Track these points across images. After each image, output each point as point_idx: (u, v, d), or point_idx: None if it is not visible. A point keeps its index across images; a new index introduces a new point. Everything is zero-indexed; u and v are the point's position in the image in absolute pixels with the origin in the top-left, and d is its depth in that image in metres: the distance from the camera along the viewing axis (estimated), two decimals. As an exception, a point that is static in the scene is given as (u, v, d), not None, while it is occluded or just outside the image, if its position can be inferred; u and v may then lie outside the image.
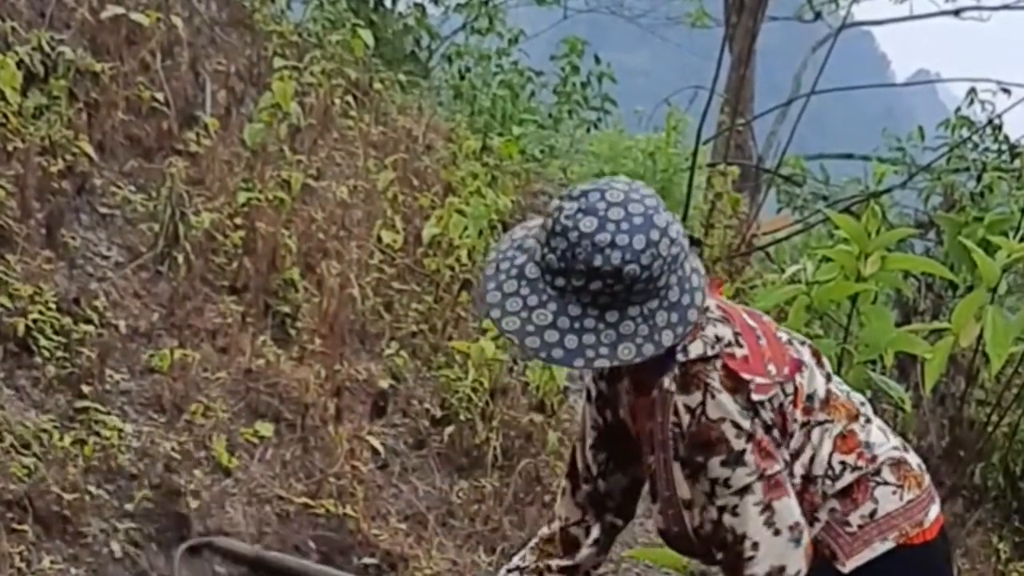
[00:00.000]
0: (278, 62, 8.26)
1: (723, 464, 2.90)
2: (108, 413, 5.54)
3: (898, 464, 3.16)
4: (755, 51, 16.52)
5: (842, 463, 3.10)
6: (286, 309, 6.79)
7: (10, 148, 6.35)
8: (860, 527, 3.10)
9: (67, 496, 5.07)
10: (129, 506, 5.26)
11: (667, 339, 2.81)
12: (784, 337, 3.11)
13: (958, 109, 12.87)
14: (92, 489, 5.18)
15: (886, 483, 3.12)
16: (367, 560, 5.86)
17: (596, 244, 2.76)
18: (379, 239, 7.63)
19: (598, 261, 2.76)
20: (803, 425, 3.05)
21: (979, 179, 10.36)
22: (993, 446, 7.95)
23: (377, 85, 9.75)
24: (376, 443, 6.41)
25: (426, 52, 13.83)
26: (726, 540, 2.96)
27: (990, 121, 12.14)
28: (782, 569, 2.93)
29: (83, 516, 5.11)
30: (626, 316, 2.79)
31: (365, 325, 7.20)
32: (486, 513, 6.51)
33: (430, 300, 7.62)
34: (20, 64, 6.64)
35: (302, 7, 10.82)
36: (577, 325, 2.78)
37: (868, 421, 3.18)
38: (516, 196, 9.24)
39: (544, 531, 3.43)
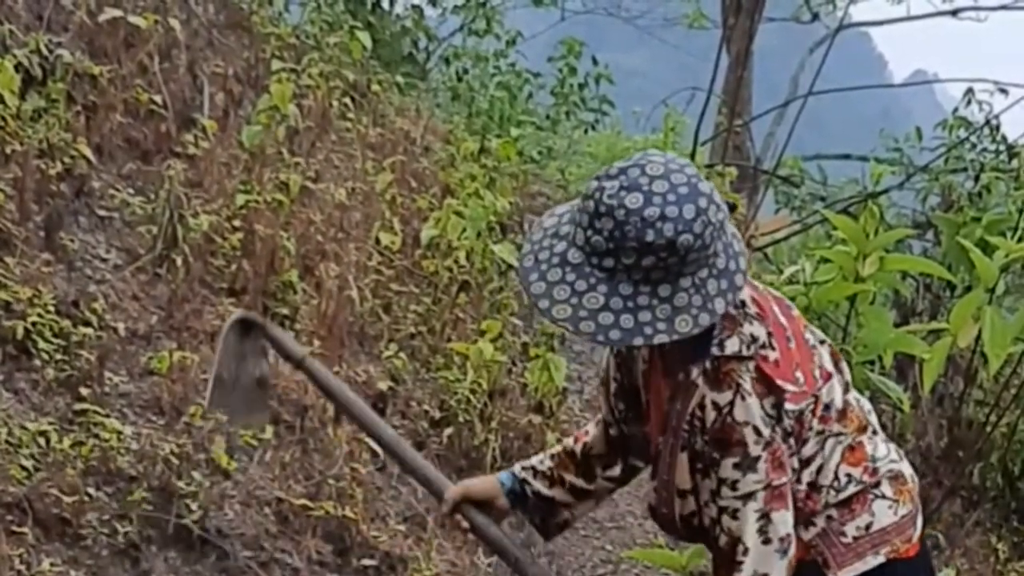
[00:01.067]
0: (276, 64, 8.27)
1: (735, 467, 2.92)
2: (107, 415, 5.54)
3: (896, 478, 3.19)
4: (752, 52, 16.53)
5: (848, 475, 3.12)
6: (285, 311, 6.79)
7: (8, 151, 6.35)
8: (855, 539, 3.13)
9: (66, 498, 5.07)
10: (128, 508, 5.26)
11: (720, 307, 2.81)
12: (811, 339, 3.13)
13: (956, 109, 12.87)
14: (91, 491, 5.18)
15: (884, 497, 3.14)
16: (366, 561, 5.86)
17: (646, 219, 2.74)
18: (377, 241, 7.63)
19: (650, 236, 2.74)
20: (818, 434, 3.07)
21: (977, 179, 10.35)
22: (991, 446, 7.95)
23: (375, 87, 9.76)
24: (375, 445, 6.40)
25: (424, 54, 13.84)
26: (720, 539, 2.98)
27: (988, 121, 12.14)
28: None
29: (82, 518, 5.11)
30: (679, 288, 2.78)
31: (364, 327, 7.20)
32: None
33: (428, 302, 7.62)
34: (18, 67, 6.65)
35: (300, 9, 10.84)
36: (631, 304, 2.76)
37: (875, 432, 3.21)
38: (514, 198, 9.24)
39: (568, 443, 3.47)
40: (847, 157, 16.62)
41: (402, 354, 7.06)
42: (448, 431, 6.78)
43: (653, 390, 3.14)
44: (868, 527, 3.12)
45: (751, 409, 2.90)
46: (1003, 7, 19.90)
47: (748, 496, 2.92)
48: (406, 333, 7.36)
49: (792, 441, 2.98)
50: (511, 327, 7.76)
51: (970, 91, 13.38)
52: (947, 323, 5.73)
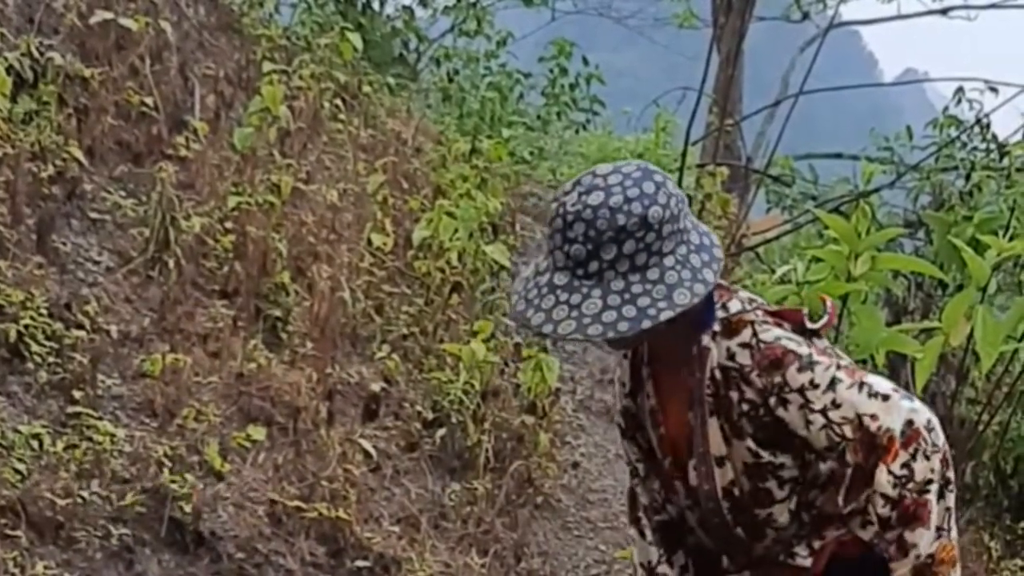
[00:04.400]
0: (267, 66, 8.26)
1: (800, 370, 2.94)
2: (100, 418, 5.54)
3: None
4: (743, 51, 16.55)
5: None
6: (277, 313, 6.80)
7: (0, 154, 6.34)
8: None
9: (60, 501, 5.07)
10: (122, 511, 5.26)
11: (709, 276, 2.86)
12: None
13: (946, 108, 12.86)
14: (84, 494, 5.18)
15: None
16: (360, 563, 5.86)
17: (613, 207, 2.81)
18: (369, 242, 7.63)
19: (622, 219, 2.80)
20: None
21: (968, 178, 10.36)
22: (984, 445, 7.97)
23: (366, 88, 9.76)
24: (368, 446, 6.41)
25: (414, 55, 13.83)
26: (848, 433, 2.94)
27: (978, 120, 12.13)
28: (911, 422, 2.92)
29: (76, 521, 5.11)
30: (665, 268, 2.83)
31: (356, 328, 7.20)
32: (478, 515, 6.52)
33: (421, 303, 7.63)
34: (9, 70, 6.64)
35: (290, 11, 10.83)
36: (627, 295, 2.81)
37: None
38: (505, 198, 9.25)
39: (635, 537, 3.43)
40: (838, 156, 16.62)
41: (395, 355, 7.07)
42: (441, 432, 6.79)
43: (669, 401, 3.15)
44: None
45: (773, 331, 2.98)
46: (993, 6, 19.90)
47: (832, 383, 2.93)
48: (398, 334, 7.36)
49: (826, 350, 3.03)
50: (503, 328, 7.76)
51: (960, 90, 13.36)
52: (939, 322, 5.73)
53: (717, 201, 10.04)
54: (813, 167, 14.66)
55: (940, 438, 2.94)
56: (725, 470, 3.07)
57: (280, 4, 10.50)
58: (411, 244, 7.87)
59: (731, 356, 2.99)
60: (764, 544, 3.18)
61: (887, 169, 12.04)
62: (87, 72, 7.12)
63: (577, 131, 13.85)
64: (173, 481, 5.46)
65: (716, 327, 3.00)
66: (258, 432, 6.04)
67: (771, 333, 2.97)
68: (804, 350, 2.95)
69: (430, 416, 6.88)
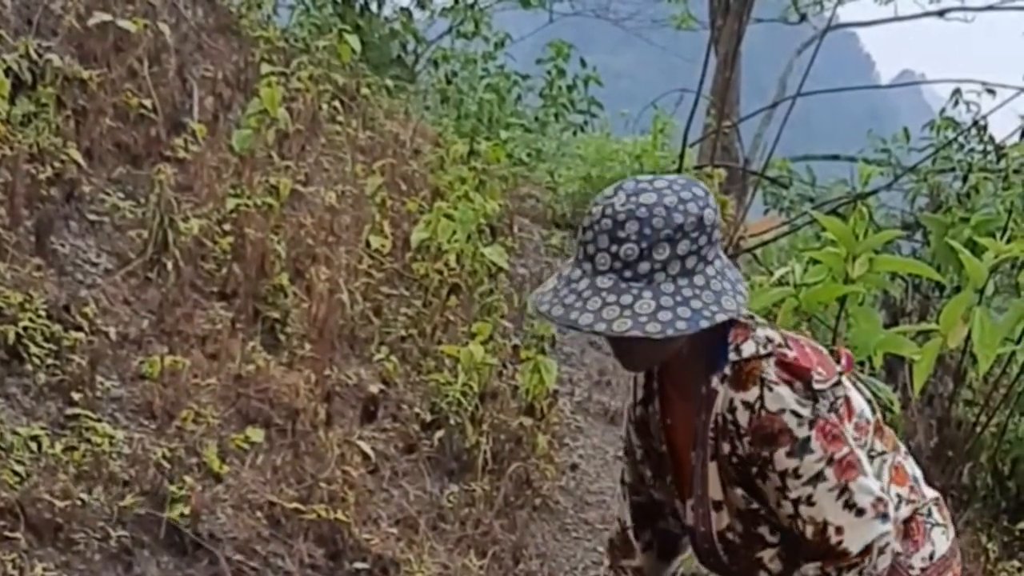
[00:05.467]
0: (265, 68, 8.28)
1: (789, 455, 2.88)
2: (99, 420, 5.54)
3: (938, 503, 3.20)
4: (740, 53, 16.56)
5: (898, 496, 3.12)
6: (275, 315, 6.80)
7: (-2, 156, 6.36)
8: (922, 570, 3.12)
9: (59, 503, 5.06)
10: (121, 513, 5.26)
11: (744, 290, 2.85)
12: (823, 350, 3.11)
13: (943, 110, 12.90)
14: (83, 496, 5.18)
15: (937, 524, 3.14)
16: (359, 565, 5.86)
17: (668, 206, 2.77)
18: (368, 244, 7.64)
19: (679, 218, 2.77)
20: (868, 454, 3.05)
21: (965, 180, 10.38)
22: (981, 446, 7.97)
23: (364, 90, 9.78)
24: (366, 448, 6.42)
25: (412, 56, 13.86)
26: (807, 532, 2.93)
27: (975, 122, 12.17)
28: (869, 547, 2.91)
29: (75, 523, 5.10)
30: (709, 276, 2.80)
31: (354, 330, 7.21)
32: (477, 517, 6.52)
33: (419, 304, 7.63)
34: (8, 71, 6.65)
35: (288, 13, 10.85)
36: (679, 298, 2.77)
37: (908, 453, 3.21)
38: (504, 200, 9.26)
39: (608, 534, 3.51)
40: (835, 158, 16.66)
41: (393, 357, 7.07)
42: (439, 433, 6.79)
43: (678, 426, 3.12)
44: (931, 556, 3.10)
45: (782, 397, 2.88)
46: (990, 8, 19.95)
47: (815, 478, 2.89)
48: (397, 336, 7.37)
49: (836, 417, 2.94)
50: (502, 329, 7.77)
51: (957, 92, 13.41)
52: (936, 324, 5.74)
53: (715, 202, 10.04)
54: (811, 169, 14.68)
55: (885, 562, 2.95)
56: (722, 514, 3.05)
57: (278, 6, 10.52)
58: (409, 246, 7.88)
59: (732, 410, 2.92)
60: None
61: (884, 171, 12.07)
62: (85, 74, 7.12)
63: (575, 133, 13.86)
64: (172, 483, 5.46)
65: (727, 370, 2.93)
66: (256, 434, 6.04)
67: (778, 400, 2.88)
68: (803, 432, 2.87)
69: (428, 418, 6.88)
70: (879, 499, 2.92)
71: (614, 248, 2.78)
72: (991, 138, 11.75)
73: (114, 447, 5.47)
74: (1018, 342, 5.95)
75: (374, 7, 13.00)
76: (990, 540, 7.77)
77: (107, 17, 7.46)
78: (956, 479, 7.89)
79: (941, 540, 3.13)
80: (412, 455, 6.72)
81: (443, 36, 14.53)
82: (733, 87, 16.54)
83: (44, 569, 4.89)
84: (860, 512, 2.90)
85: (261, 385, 6.30)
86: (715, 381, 2.94)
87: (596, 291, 2.78)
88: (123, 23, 7.51)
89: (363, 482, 6.27)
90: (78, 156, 6.70)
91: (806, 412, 2.88)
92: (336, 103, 9.04)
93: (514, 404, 7.21)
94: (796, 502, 2.91)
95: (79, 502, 5.15)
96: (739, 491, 2.99)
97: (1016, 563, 7.67)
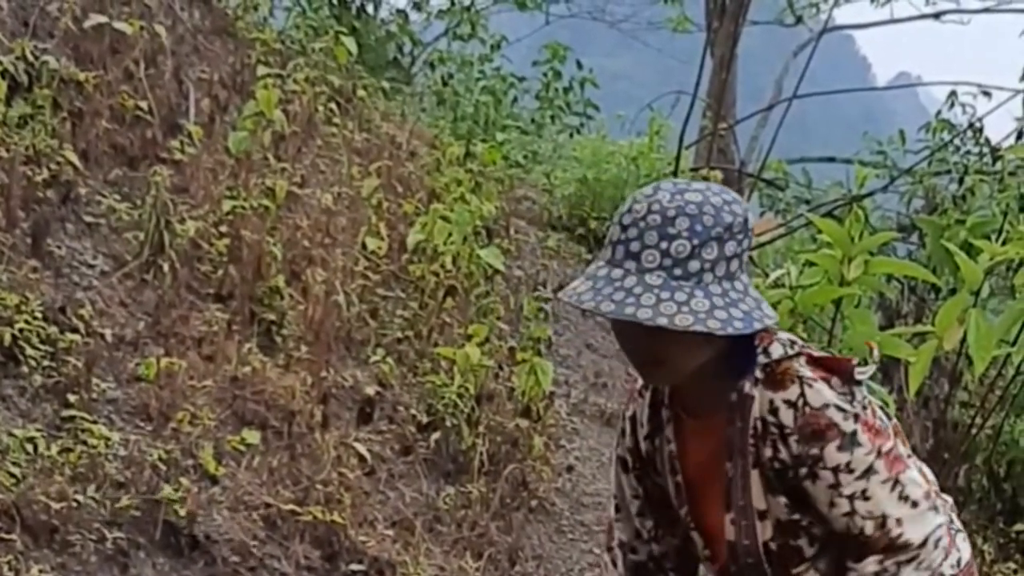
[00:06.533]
0: (261, 70, 8.28)
1: (839, 449, 2.81)
2: (95, 422, 5.54)
3: (954, 508, 3.16)
4: (736, 55, 16.54)
5: None
6: (272, 316, 6.80)
7: (-6, 158, 6.36)
8: None
9: (54, 505, 5.06)
10: (117, 514, 5.26)
11: (767, 307, 2.80)
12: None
13: (939, 112, 12.90)
14: (79, 498, 5.18)
15: (959, 529, 3.09)
16: (355, 567, 5.86)
17: (716, 205, 2.72)
18: (364, 246, 7.64)
19: (728, 218, 2.72)
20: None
21: (961, 182, 10.38)
22: (977, 448, 7.98)
23: (360, 92, 9.77)
24: (363, 449, 6.42)
25: (409, 58, 13.87)
26: (866, 529, 2.85)
27: (971, 124, 12.16)
28: (927, 539, 2.85)
29: (70, 525, 5.10)
30: (745, 282, 2.77)
31: (351, 332, 7.21)
32: (473, 519, 6.53)
33: (415, 306, 7.64)
34: (4, 74, 6.65)
35: (285, 15, 10.84)
36: (728, 299, 2.72)
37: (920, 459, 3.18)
38: (500, 202, 9.27)
39: None
40: (831, 160, 16.65)
41: (389, 359, 7.07)
42: (435, 435, 6.79)
43: (694, 448, 3.02)
44: (959, 562, 3.04)
45: (822, 392, 2.82)
46: (986, 10, 19.97)
47: (867, 472, 2.82)
48: (393, 338, 7.37)
49: (871, 412, 2.89)
50: (498, 331, 7.77)
51: (953, 94, 13.41)
52: (932, 326, 5.74)
53: (711, 205, 10.04)
54: (807, 171, 14.67)
55: (939, 556, 2.88)
56: (766, 524, 2.94)
57: (275, 8, 10.52)
58: (405, 248, 7.88)
59: (773, 411, 2.84)
60: None
61: (880, 173, 12.05)
62: (82, 76, 7.13)
63: (571, 135, 13.84)
64: (168, 484, 5.46)
65: (758, 373, 2.85)
66: (252, 436, 6.04)
67: (820, 396, 2.82)
68: (849, 425, 2.81)
69: (424, 420, 6.88)
70: (928, 492, 2.89)
71: (664, 245, 2.71)
72: (987, 140, 11.74)
73: (110, 449, 5.47)
74: (1013, 344, 5.95)
75: (370, 9, 13.02)
76: (986, 542, 7.79)
77: (103, 19, 7.46)
78: (952, 481, 7.90)
79: (965, 545, 3.07)
80: (408, 457, 6.72)
81: (439, 38, 14.52)
82: (729, 89, 16.53)
83: (40, 571, 4.89)
84: (915, 504, 2.85)
85: (257, 387, 6.30)
86: (747, 386, 2.86)
87: (648, 288, 2.69)
88: (119, 25, 7.51)
89: (359, 484, 6.27)
90: (74, 158, 6.70)
91: (848, 407, 2.83)
92: (332, 105, 9.05)
93: (510, 406, 7.22)
94: (851, 498, 2.84)
95: (75, 504, 5.15)
96: (781, 499, 2.92)
97: (1012, 565, 7.69)
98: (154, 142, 7.34)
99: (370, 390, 6.83)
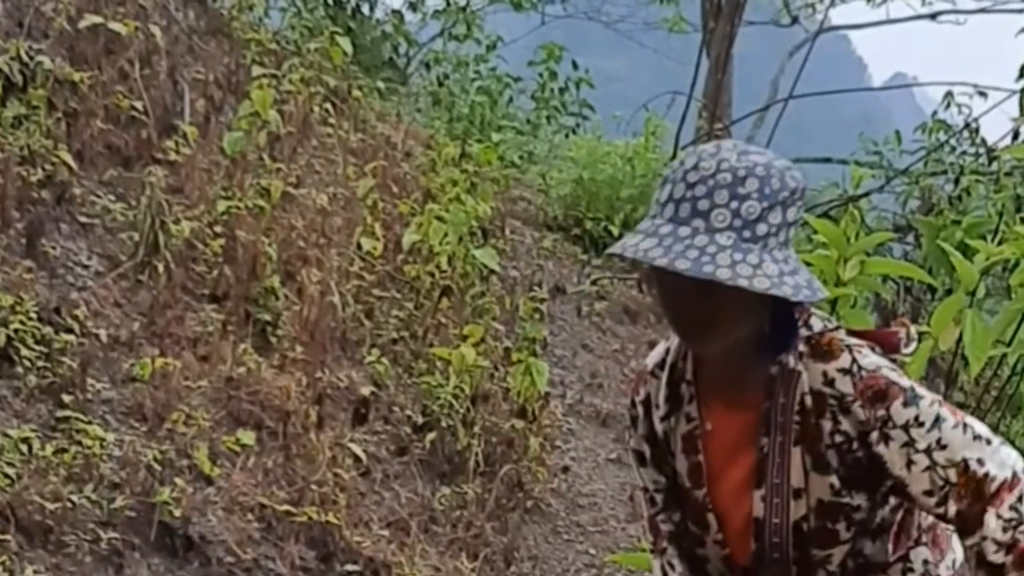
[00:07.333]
0: (256, 70, 8.28)
1: (905, 405, 2.75)
2: (89, 422, 5.54)
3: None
4: (732, 56, 16.54)
5: None
6: (267, 317, 6.80)
7: (-11, 158, 6.35)
8: None
9: (49, 505, 5.06)
10: (111, 515, 5.26)
11: (816, 281, 2.73)
12: None
13: (935, 113, 12.89)
14: (74, 498, 5.18)
15: (952, 530, 3.08)
16: (350, 567, 5.86)
17: (780, 169, 2.67)
18: (359, 246, 7.63)
19: (792, 183, 2.68)
20: None
21: (956, 182, 10.39)
22: (973, 448, 7.96)
23: (356, 92, 9.76)
24: (358, 450, 6.42)
25: (404, 59, 13.85)
26: (952, 477, 2.77)
27: (967, 124, 12.16)
28: (1013, 469, 2.78)
29: (65, 525, 5.10)
30: (793, 255, 2.69)
31: (346, 332, 7.20)
32: (468, 519, 6.53)
33: (411, 307, 7.63)
34: (-1, 74, 6.65)
35: (280, 15, 10.83)
36: (789, 268, 2.65)
37: None
38: (495, 202, 9.25)
39: None
40: (827, 160, 16.62)
41: (384, 359, 7.07)
42: (431, 436, 6.79)
43: (718, 425, 2.94)
44: (954, 563, 3.03)
45: (870, 357, 2.78)
46: (982, 10, 19.94)
47: (937, 421, 2.76)
48: (388, 338, 7.36)
49: None
50: (493, 332, 7.77)
51: (949, 94, 13.40)
52: (928, 326, 5.73)
53: (707, 205, 10.04)
54: (802, 171, 14.65)
55: None
56: (800, 503, 2.86)
57: (270, 8, 10.51)
58: (401, 248, 7.88)
59: (829, 382, 2.77)
60: None
61: (876, 173, 12.04)
62: (76, 76, 7.12)
63: (567, 135, 13.84)
64: (163, 485, 5.46)
65: (801, 347, 2.80)
66: (248, 436, 6.04)
67: (870, 359, 2.77)
68: (905, 382, 2.77)
69: (420, 420, 6.88)
70: (987, 430, 2.83)
71: (734, 204, 2.62)
72: (983, 141, 11.74)
73: (105, 449, 5.47)
74: (1009, 344, 5.94)
75: (366, 9, 13.00)
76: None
77: (98, 19, 7.46)
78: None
79: (958, 547, 3.05)
80: (403, 457, 6.72)
81: (435, 38, 14.50)
82: (725, 90, 16.52)
83: (35, 571, 4.89)
84: (988, 441, 2.79)
85: (252, 387, 6.30)
86: (791, 360, 2.79)
87: (721, 248, 2.59)
88: (114, 25, 7.50)
89: (354, 484, 6.27)
90: (69, 158, 6.70)
91: (897, 370, 2.80)
92: (328, 105, 9.04)
93: (506, 406, 7.22)
94: (928, 451, 2.77)
95: (70, 504, 5.15)
96: (829, 479, 2.83)
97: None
98: (149, 142, 7.34)
99: (365, 390, 6.82)
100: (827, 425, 2.79)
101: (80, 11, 7.53)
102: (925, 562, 3.01)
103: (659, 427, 2.99)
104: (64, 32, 7.39)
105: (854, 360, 2.76)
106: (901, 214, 11.06)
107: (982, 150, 11.47)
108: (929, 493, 2.79)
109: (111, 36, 7.54)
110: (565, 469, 7.56)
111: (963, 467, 2.76)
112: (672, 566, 3.10)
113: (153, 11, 8.30)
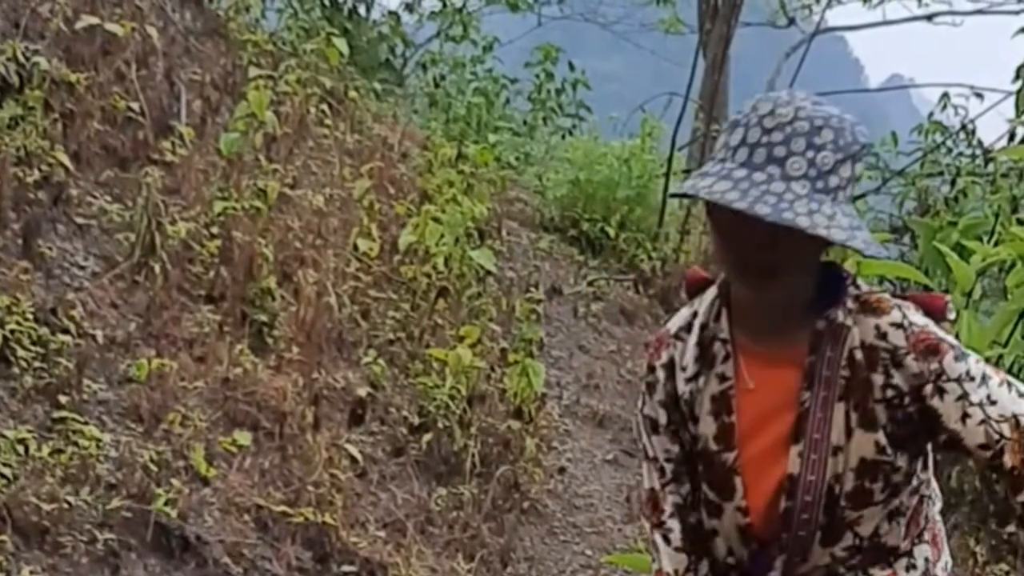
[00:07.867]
0: (253, 71, 8.27)
1: (956, 360, 2.75)
2: (86, 423, 5.53)
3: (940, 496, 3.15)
4: (729, 57, 16.56)
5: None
6: (263, 318, 6.79)
7: (-14, 159, 6.34)
8: None
9: (45, 506, 5.06)
10: (108, 516, 5.26)
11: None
12: None
13: (931, 114, 12.88)
14: (70, 499, 5.17)
15: (943, 531, 3.09)
16: (346, 568, 5.86)
17: (851, 122, 2.65)
18: (355, 247, 7.63)
19: (863, 138, 2.65)
20: None
21: (953, 184, 10.39)
22: (969, 449, 7.96)
23: (352, 93, 9.76)
24: (354, 451, 6.42)
25: (401, 60, 13.85)
26: (1006, 431, 2.78)
27: (963, 126, 12.16)
28: None
29: (61, 526, 5.10)
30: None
31: (342, 333, 7.20)
32: (465, 520, 6.52)
33: (407, 308, 7.63)
34: (-5, 75, 6.65)
35: (276, 16, 10.83)
36: (856, 222, 2.63)
37: None
38: (492, 203, 9.25)
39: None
40: (824, 161, 16.64)
41: (381, 360, 7.07)
42: (427, 437, 6.79)
43: (759, 383, 2.87)
44: (946, 566, 3.02)
45: (917, 315, 2.78)
46: (978, 11, 19.98)
47: (984, 378, 2.77)
48: (385, 339, 7.36)
49: None
50: (489, 333, 7.76)
51: (946, 95, 13.40)
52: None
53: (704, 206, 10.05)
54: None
55: None
56: (837, 460, 2.81)
57: (266, 9, 10.50)
58: (397, 249, 7.88)
59: (882, 335, 2.75)
60: (815, 564, 2.92)
61: (873, 175, 12.05)
62: (73, 77, 7.12)
63: (563, 136, 13.83)
64: (159, 486, 5.46)
65: (850, 304, 2.78)
66: (244, 437, 6.04)
67: (919, 317, 2.77)
68: (953, 340, 2.77)
69: (416, 421, 6.88)
70: None
71: (810, 154, 2.60)
72: (979, 142, 11.74)
73: (101, 450, 5.47)
74: (1005, 345, 5.96)
75: (362, 10, 12.99)
76: (978, 543, 7.78)
77: (95, 20, 7.45)
78: (944, 483, 7.90)
79: (948, 549, 3.07)
80: (400, 458, 6.72)
81: (431, 40, 14.50)
82: (721, 91, 16.53)
83: (31, 572, 4.89)
84: None
85: (248, 388, 6.30)
86: (840, 315, 2.77)
87: (797, 197, 2.58)
88: (111, 26, 7.50)
89: (351, 485, 6.27)
90: (65, 159, 6.69)
91: (944, 330, 2.79)
92: (324, 106, 9.04)
93: (502, 407, 7.21)
94: (981, 405, 2.76)
95: (66, 505, 5.15)
96: (875, 435, 2.80)
97: (1004, 566, 7.68)
98: (145, 143, 7.34)
99: (362, 391, 6.82)
100: (879, 379, 2.77)
101: (76, 12, 7.53)
102: (926, 560, 2.99)
103: (684, 389, 2.92)
104: (60, 33, 7.39)
105: (904, 315, 2.76)
106: (897, 215, 11.06)
107: (978, 151, 11.47)
108: (985, 447, 2.78)
109: (107, 37, 7.54)
110: (561, 470, 7.56)
111: (1015, 422, 2.77)
112: (668, 540, 3.03)
113: (149, 12, 8.29)
